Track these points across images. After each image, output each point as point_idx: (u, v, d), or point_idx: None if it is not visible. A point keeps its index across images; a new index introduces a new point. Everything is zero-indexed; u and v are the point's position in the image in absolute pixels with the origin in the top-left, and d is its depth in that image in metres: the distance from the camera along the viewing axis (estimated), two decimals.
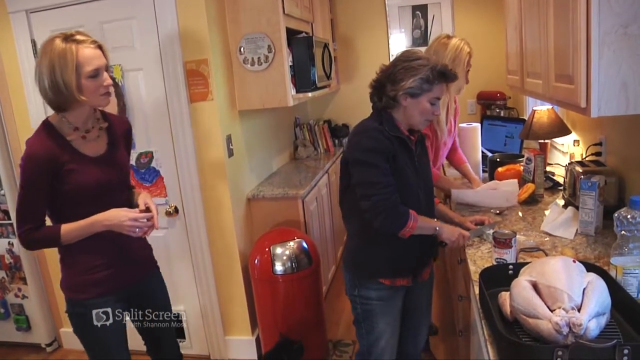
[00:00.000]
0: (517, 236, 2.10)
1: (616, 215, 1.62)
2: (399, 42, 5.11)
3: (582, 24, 1.66)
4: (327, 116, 5.42)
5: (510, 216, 2.56)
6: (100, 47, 1.93)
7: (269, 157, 4.09)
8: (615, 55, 1.63)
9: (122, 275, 2.12)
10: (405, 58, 2.08)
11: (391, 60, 2.16)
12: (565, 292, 1.35)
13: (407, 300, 2.31)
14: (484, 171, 3.35)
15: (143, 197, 2.13)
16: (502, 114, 4.51)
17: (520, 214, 2.60)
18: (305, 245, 3.16)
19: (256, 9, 3.23)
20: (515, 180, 2.76)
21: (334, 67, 4.85)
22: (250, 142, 3.64)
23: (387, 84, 2.09)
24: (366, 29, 5.18)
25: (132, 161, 3.30)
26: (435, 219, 2.18)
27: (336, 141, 5.17)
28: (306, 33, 3.68)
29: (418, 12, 5.04)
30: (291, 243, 3.15)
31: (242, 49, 3.27)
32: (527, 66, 2.56)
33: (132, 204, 2.13)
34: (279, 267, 3.09)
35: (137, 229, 1.95)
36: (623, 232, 1.60)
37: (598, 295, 1.37)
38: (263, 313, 3.23)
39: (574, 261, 1.50)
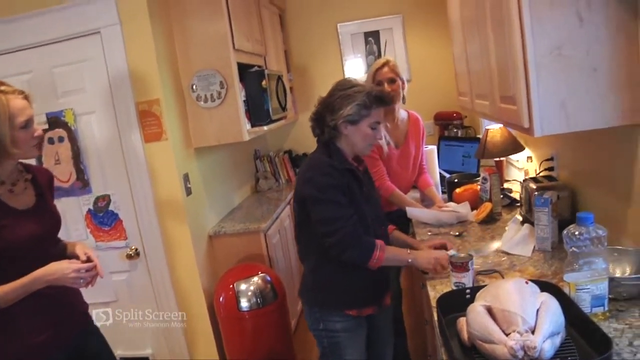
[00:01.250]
0: (475, 258, 2.11)
1: (565, 232, 1.65)
2: (356, 67, 5.16)
3: (518, 46, 1.70)
4: (287, 146, 5.43)
5: (469, 237, 2.58)
6: (26, 97, 1.87)
7: (229, 191, 4.07)
8: (553, 76, 1.68)
9: (62, 336, 2.00)
10: (341, 87, 2.12)
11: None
12: (519, 314, 1.36)
13: (370, 327, 2.31)
14: (443, 192, 3.38)
15: (81, 247, 2.06)
16: (459, 134, 4.57)
17: (479, 234, 2.61)
18: (269, 279, 3.14)
19: (206, 45, 3.24)
20: (467, 203, 2.80)
21: (291, 97, 4.88)
22: (208, 178, 3.61)
23: (326, 115, 2.11)
24: (321, 57, 5.22)
25: (90, 205, 3.25)
26: (407, 250, 2.17)
27: (297, 171, 5.16)
28: (259, 66, 3.70)
29: (370, 38, 5.11)
30: (255, 278, 3.12)
31: (194, 86, 3.27)
32: (474, 87, 2.60)
33: (64, 257, 2.03)
34: (244, 304, 3.06)
35: (81, 280, 1.88)
36: (573, 248, 1.62)
37: (551, 315, 1.38)
38: (232, 350, 3.18)
39: (527, 282, 1.51)
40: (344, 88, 2.11)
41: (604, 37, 1.65)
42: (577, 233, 1.60)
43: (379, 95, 2.10)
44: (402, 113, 3.12)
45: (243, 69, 3.49)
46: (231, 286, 3.10)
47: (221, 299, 3.11)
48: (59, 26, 3.05)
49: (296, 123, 5.31)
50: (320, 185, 2.04)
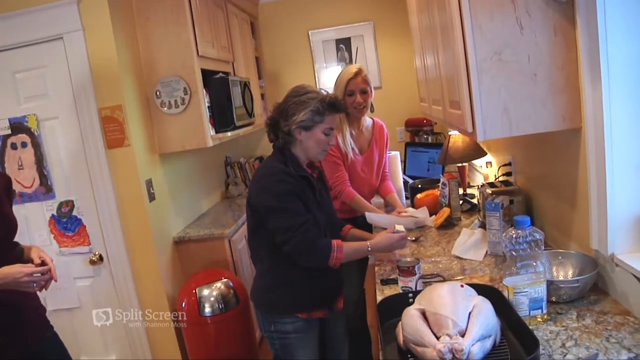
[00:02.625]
0: (425, 263, 2.11)
1: (504, 235, 1.65)
2: (328, 74, 5.16)
3: (460, 52, 1.72)
4: (259, 153, 5.42)
5: (425, 242, 2.59)
6: None
7: (197, 197, 4.04)
8: (494, 80, 1.69)
9: (17, 343, 1.97)
10: (295, 93, 2.13)
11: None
12: (449, 317, 1.36)
13: (323, 331, 2.30)
14: (406, 198, 3.38)
15: (36, 251, 2.04)
16: (429, 140, 4.59)
17: (435, 238, 2.62)
18: (232, 284, 3.12)
19: (170, 52, 3.22)
20: (425, 208, 2.80)
21: (262, 104, 4.87)
22: (174, 184, 3.59)
23: (280, 120, 2.12)
24: (292, 64, 5.23)
25: (54, 211, 3.22)
26: (364, 242, 2.18)
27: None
28: (224, 73, 3.69)
29: (342, 45, 5.12)
30: (218, 284, 3.10)
31: (158, 93, 3.25)
32: (430, 93, 2.62)
33: (21, 261, 2.01)
34: (207, 309, 3.03)
35: (34, 284, 1.86)
36: (511, 252, 1.62)
37: (483, 319, 1.38)
38: (195, 355, 3.15)
39: (462, 285, 1.51)
40: (298, 94, 2.13)
41: (543, 43, 1.68)
42: (514, 236, 1.61)
43: (333, 102, 2.11)
44: (367, 120, 3.11)
45: (208, 75, 3.48)
46: (194, 291, 3.07)
47: (184, 304, 3.08)
48: (21, 31, 3.02)
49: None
50: (275, 192, 2.04)
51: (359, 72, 2.88)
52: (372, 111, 2.99)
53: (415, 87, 3.71)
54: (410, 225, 2.76)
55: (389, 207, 3.18)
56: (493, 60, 1.67)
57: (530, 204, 2.46)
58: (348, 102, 2.87)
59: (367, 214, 2.81)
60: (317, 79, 5.21)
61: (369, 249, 2.12)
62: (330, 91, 2.72)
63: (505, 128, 1.72)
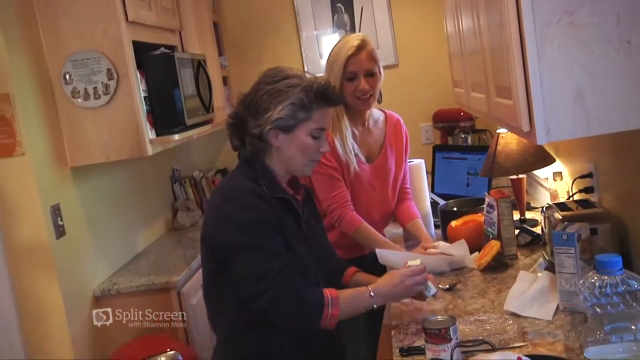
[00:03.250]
0: (465, 324, 2.09)
1: (581, 283, 1.61)
2: (324, 48, 5.14)
3: (510, 13, 1.68)
4: (221, 164, 5.41)
5: (464, 291, 2.56)
6: None
7: (130, 230, 4.04)
8: (562, 53, 1.65)
9: None
10: (268, 79, 2.13)
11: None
12: None
13: None
14: (435, 226, 3.36)
15: None
16: (469, 141, 4.57)
17: (480, 286, 2.59)
18: (181, 358, 3.08)
19: (84, 16, 3.20)
20: (463, 241, 2.77)
21: (224, 92, 4.86)
22: (95, 212, 3.56)
23: (248, 119, 2.11)
24: (269, 33, 5.22)
25: None
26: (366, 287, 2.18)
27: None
28: (167, 47, 3.66)
29: (340, 5, 5.12)
30: (161, 359, 3.06)
31: (67, 76, 3.22)
32: (468, 75, 2.59)
33: None
34: None
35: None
36: (596, 307, 1.58)
37: None
38: None
39: (520, 358, 1.48)
40: (273, 81, 2.12)
41: None
42: (598, 284, 1.57)
43: (323, 91, 2.12)
44: (375, 113, 3.11)
45: (144, 50, 3.45)
46: None
47: None
48: None
49: None
50: (241, 223, 2.05)
51: (362, 46, 2.87)
52: (379, 102, 2.97)
53: (447, 65, 3.69)
54: (443, 267, 2.73)
55: (410, 241, 3.15)
56: (562, 23, 1.63)
57: (624, 236, 2.42)
58: (348, 89, 2.86)
59: (378, 250, 2.78)
60: (304, 55, 5.20)
61: (371, 294, 2.12)
62: (322, 74, 2.71)
63: (579, 124, 1.67)
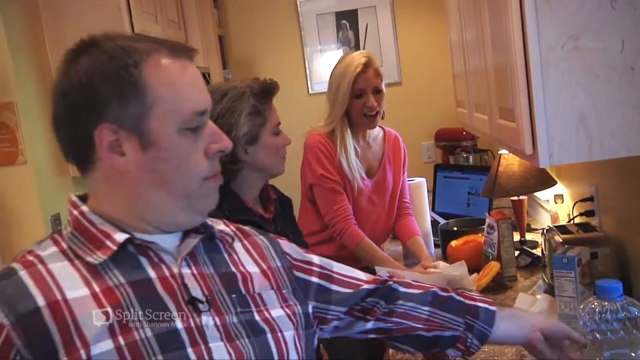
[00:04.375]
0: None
1: (581, 308, 1.61)
2: (329, 64, 5.12)
3: (515, 36, 1.67)
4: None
5: None
6: None
7: None
8: (566, 78, 1.65)
9: None
10: (214, 100, 2.13)
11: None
12: None
13: None
14: (435, 246, 3.36)
15: None
16: (470, 160, 4.56)
17: None
18: None
19: (91, 27, 3.05)
20: (463, 262, 2.76)
21: None
22: None
23: None
24: (273, 47, 5.21)
25: None
26: None
27: None
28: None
29: (344, 22, 5.12)
30: None
31: None
32: (472, 95, 2.58)
33: None
34: None
35: None
36: (595, 333, 1.58)
37: None
38: None
39: None
40: (217, 100, 2.11)
41: None
42: (598, 310, 1.57)
43: (264, 88, 2.17)
44: (375, 129, 3.11)
45: None
46: None
47: None
48: None
49: None
50: None
51: (369, 63, 2.89)
52: (382, 118, 2.99)
53: (451, 84, 3.69)
54: (441, 286, 2.72)
55: (409, 259, 3.14)
56: (566, 47, 1.63)
57: (624, 261, 2.41)
58: (355, 106, 2.88)
59: (377, 268, 2.78)
60: (307, 70, 5.19)
61: None
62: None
63: (582, 149, 1.67)
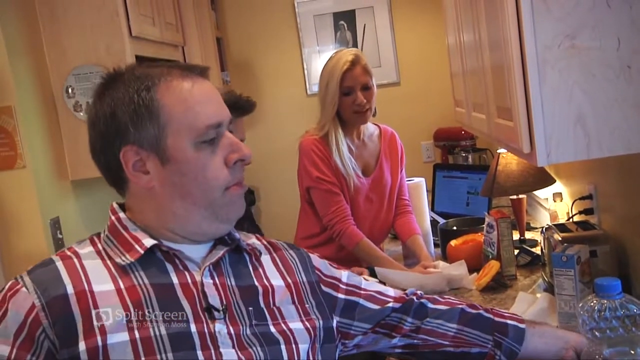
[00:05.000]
0: None
1: (580, 306, 1.60)
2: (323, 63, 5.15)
3: (512, 35, 1.68)
4: None
5: None
6: None
7: None
8: (563, 76, 1.65)
9: None
10: None
11: None
12: None
13: None
14: (435, 245, 3.36)
15: None
16: (469, 160, 4.56)
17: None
18: None
19: (88, 30, 3.18)
20: (463, 261, 2.76)
21: None
22: (94, 226, 3.47)
23: None
24: (271, 49, 5.21)
25: None
26: None
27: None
28: (170, 62, 3.66)
29: (342, 23, 5.11)
30: None
31: (70, 90, 3.21)
32: (469, 95, 2.58)
33: None
34: None
35: None
36: (594, 331, 1.57)
37: None
38: None
39: None
40: None
41: None
42: (598, 308, 1.56)
43: (235, 102, 2.30)
44: (370, 127, 3.14)
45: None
46: None
47: None
48: None
49: None
50: None
51: (356, 60, 2.90)
52: (373, 115, 3.00)
53: (449, 84, 3.70)
54: (442, 286, 2.72)
55: (409, 259, 3.14)
56: (563, 46, 1.63)
57: (624, 258, 2.41)
58: (345, 104, 2.89)
59: (377, 269, 2.78)
60: (306, 70, 5.19)
61: None
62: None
63: (580, 147, 1.67)
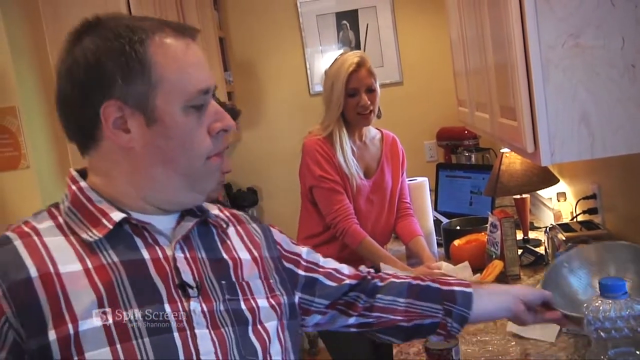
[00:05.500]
0: (466, 345, 2.08)
1: (585, 306, 1.60)
2: (325, 62, 5.14)
3: (516, 34, 1.67)
4: (225, 178, 5.36)
5: None
6: None
7: None
8: (567, 76, 1.65)
9: None
10: None
11: None
12: None
13: None
14: (438, 245, 3.36)
15: None
16: (472, 159, 4.56)
17: None
18: None
19: None
20: (466, 262, 2.76)
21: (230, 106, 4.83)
22: None
23: None
24: (273, 49, 5.19)
25: None
26: None
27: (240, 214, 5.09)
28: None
29: (345, 22, 5.11)
30: None
31: None
32: (472, 94, 2.58)
33: None
34: None
35: None
36: (600, 332, 1.57)
37: None
38: None
39: None
40: None
41: None
42: (602, 308, 1.56)
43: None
44: (372, 131, 3.15)
45: None
46: None
47: None
48: None
49: (238, 145, 5.25)
50: None
51: (361, 63, 2.91)
52: (378, 117, 3.00)
53: (452, 83, 3.69)
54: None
55: (412, 260, 3.14)
56: (567, 46, 1.62)
57: None
58: (349, 105, 2.90)
59: (383, 266, 2.78)
60: (308, 70, 5.18)
61: None
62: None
63: (584, 147, 1.67)
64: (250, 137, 5.27)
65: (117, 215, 1.30)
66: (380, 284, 1.75)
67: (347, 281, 1.72)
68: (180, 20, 4.04)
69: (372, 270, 1.83)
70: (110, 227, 1.29)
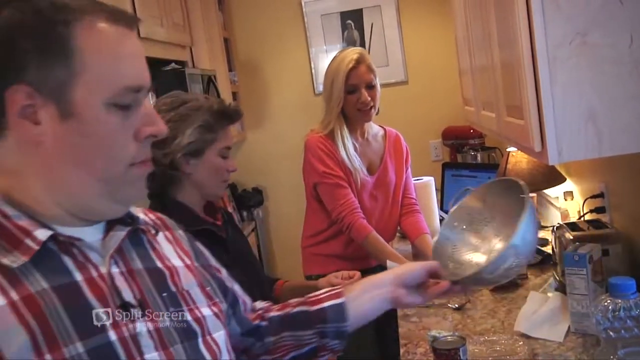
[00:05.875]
0: (474, 344, 2.08)
1: (594, 306, 1.60)
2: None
3: (522, 33, 1.66)
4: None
5: (474, 311, 2.54)
6: None
7: None
8: (575, 74, 1.64)
9: None
10: (167, 107, 2.12)
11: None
12: None
13: None
14: None
15: None
16: (478, 158, 4.55)
17: (489, 306, 2.57)
18: None
19: None
20: None
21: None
22: None
23: (154, 151, 2.06)
24: (278, 49, 5.21)
25: None
26: None
27: (245, 214, 5.10)
28: (178, 63, 3.66)
29: (350, 22, 5.11)
30: None
31: None
32: (478, 93, 2.57)
33: None
34: None
35: None
36: (608, 331, 1.56)
37: None
38: None
39: None
40: (172, 108, 2.12)
41: None
42: (611, 308, 1.55)
43: (224, 109, 2.16)
44: (374, 128, 3.17)
45: (155, 66, 3.44)
46: None
47: None
48: None
49: (243, 144, 5.26)
50: None
51: (361, 59, 2.93)
52: (377, 113, 3.01)
53: (457, 82, 3.69)
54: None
55: (419, 258, 3.13)
56: (574, 44, 1.61)
57: (636, 257, 2.40)
58: (349, 102, 2.92)
59: (389, 264, 2.78)
60: (313, 69, 5.19)
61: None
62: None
63: (591, 145, 1.66)
64: (255, 137, 5.28)
65: (43, 233, 1.10)
66: (263, 324, 1.66)
67: (254, 322, 1.65)
68: (185, 21, 4.05)
69: (266, 305, 1.77)
70: (37, 247, 1.08)
